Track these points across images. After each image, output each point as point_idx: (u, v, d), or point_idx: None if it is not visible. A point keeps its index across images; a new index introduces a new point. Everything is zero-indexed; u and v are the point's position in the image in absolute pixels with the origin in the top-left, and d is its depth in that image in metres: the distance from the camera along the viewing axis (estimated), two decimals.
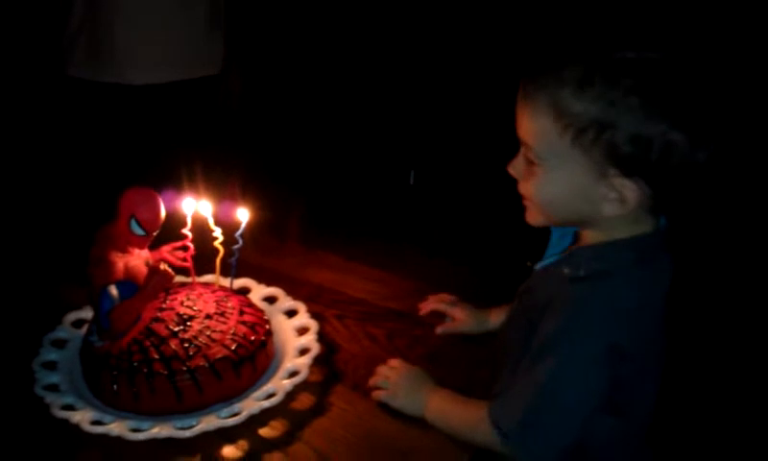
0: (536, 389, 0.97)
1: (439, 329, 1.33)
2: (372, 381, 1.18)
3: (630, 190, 0.94)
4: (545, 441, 0.99)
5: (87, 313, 1.30)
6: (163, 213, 1.21)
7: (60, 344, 1.27)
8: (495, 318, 1.27)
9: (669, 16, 1.90)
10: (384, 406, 1.15)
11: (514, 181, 1.04)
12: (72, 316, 1.33)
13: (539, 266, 1.08)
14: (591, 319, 0.95)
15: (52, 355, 1.24)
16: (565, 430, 0.99)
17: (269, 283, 1.40)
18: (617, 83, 0.90)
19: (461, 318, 1.32)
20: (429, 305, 1.36)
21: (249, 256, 1.32)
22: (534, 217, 1.04)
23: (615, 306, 0.96)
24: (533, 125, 0.97)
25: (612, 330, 0.95)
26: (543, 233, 1.08)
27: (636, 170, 0.93)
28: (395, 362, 1.20)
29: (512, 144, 1.03)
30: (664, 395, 1.06)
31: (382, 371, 1.19)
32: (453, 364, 1.25)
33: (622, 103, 0.90)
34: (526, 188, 1.02)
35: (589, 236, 1.02)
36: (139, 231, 1.19)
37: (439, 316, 1.36)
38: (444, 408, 1.11)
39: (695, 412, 1.97)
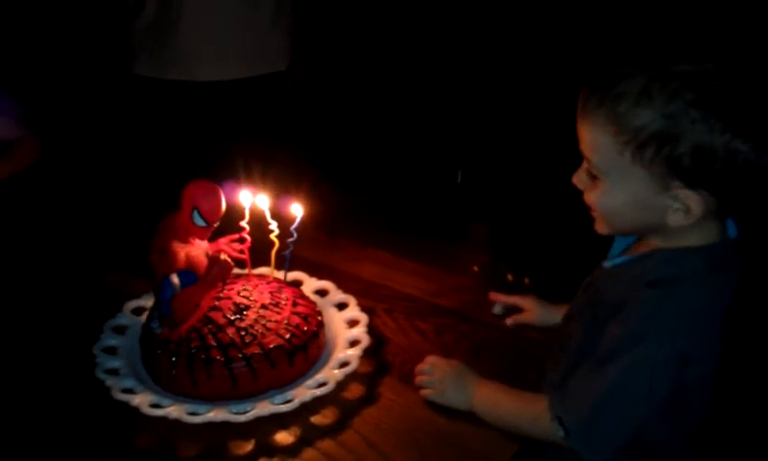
0: (603, 389, 0.98)
1: (509, 321, 1.34)
2: (417, 381, 1.20)
3: (694, 201, 0.94)
4: (606, 438, 1.00)
5: (147, 301, 1.35)
6: (224, 205, 1.25)
7: (120, 330, 1.32)
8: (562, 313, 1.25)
9: (722, 24, 1.88)
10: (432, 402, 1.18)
11: (558, 180, 1.06)
12: (132, 304, 1.37)
13: (607, 264, 1.07)
14: (663, 325, 0.95)
15: (112, 341, 1.28)
16: (626, 429, 1.01)
17: (320, 277, 1.43)
18: (676, 96, 0.90)
19: (529, 308, 1.33)
20: (499, 298, 1.37)
21: (301, 250, 1.35)
22: (601, 227, 1.05)
23: (685, 314, 0.96)
24: (592, 141, 0.98)
25: (682, 337, 0.95)
26: (592, 234, 1.09)
27: (699, 181, 0.93)
28: (432, 359, 1.21)
29: (559, 144, 1.04)
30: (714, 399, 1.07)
31: (424, 369, 1.20)
32: (498, 359, 1.27)
33: (682, 116, 0.90)
34: (591, 199, 1.03)
35: (655, 242, 1.02)
36: (201, 223, 1.23)
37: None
38: (494, 400, 1.13)
39: (743, 417, 1.95)
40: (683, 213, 0.96)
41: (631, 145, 0.94)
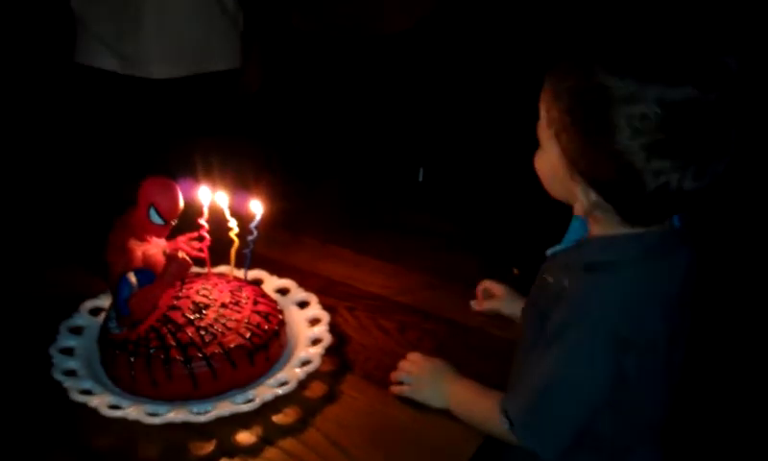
0: (541, 378, 0.99)
1: (472, 303, 1.37)
2: (393, 377, 1.19)
3: (585, 197, 0.98)
4: (549, 429, 1.01)
5: (104, 301, 1.33)
6: (181, 203, 1.23)
7: (77, 331, 1.29)
8: None
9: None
10: (401, 398, 1.17)
11: (522, 176, 1.08)
12: (89, 304, 1.35)
13: (549, 252, 1.09)
14: (597, 309, 0.97)
15: (69, 342, 1.26)
16: (570, 419, 1.01)
17: (281, 275, 1.42)
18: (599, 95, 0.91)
19: (498, 294, 1.35)
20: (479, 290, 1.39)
21: (262, 249, 1.34)
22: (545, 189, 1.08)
23: (621, 297, 0.97)
24: (540, 108, 1.01)
25: (618, 322, 0.96)
26: (551, 227, 1.10)
27: (591, 182, 0.96)
28: (414, 356, 1.21)
29: (520, 141, 1.06)
30: (682, 392, 1.08)
31: (404, 366, 1.20)
32: (461, 357, 1.26)
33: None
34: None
35: (595, 228, 1.04)
36: (158, 220, 1.21)
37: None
38: (465, 399, 1.13)
39: (711, 411, 1.97)
40: (581, 203, 0.99)
41: (554, 126, 0.98)
